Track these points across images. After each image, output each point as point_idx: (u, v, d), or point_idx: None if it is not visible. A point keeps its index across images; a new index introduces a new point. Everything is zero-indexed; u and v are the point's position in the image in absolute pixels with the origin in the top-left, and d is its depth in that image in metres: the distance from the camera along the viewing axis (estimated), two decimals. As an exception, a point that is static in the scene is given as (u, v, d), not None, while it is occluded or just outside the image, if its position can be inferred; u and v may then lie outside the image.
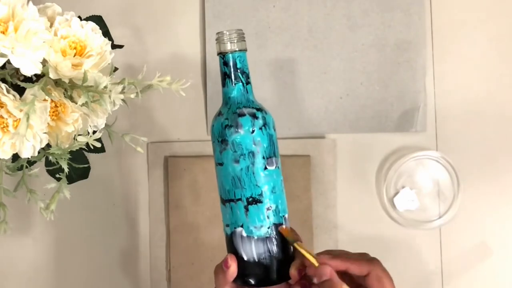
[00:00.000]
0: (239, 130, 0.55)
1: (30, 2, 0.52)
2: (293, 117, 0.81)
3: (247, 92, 0.57)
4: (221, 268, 0.54)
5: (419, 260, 0.81)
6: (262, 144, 0.55)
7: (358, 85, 0.81)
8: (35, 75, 0.53)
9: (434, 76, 0.81)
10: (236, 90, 0.57)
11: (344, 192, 0.81)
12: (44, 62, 0.52)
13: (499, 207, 0.80)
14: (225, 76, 0.58)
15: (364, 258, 0.56)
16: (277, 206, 0.55)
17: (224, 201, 0.57)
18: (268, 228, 0.55)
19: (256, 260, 0.54)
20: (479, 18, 0.81)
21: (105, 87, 0.53)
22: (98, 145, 0.55)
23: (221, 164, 0.56)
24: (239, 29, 0.57)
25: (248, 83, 0.57)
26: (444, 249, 0.80)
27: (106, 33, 0.60)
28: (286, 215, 0.56)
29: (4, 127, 0.51)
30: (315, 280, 0.52)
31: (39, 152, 0.53)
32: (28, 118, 0.49)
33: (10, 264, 0.81)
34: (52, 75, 0.52)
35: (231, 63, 0.57)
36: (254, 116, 0.55)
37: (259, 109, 0.56)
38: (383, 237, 0.81)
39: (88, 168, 0.66)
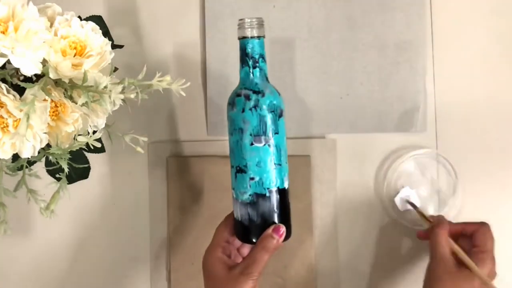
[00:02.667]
0: (234, 108, 0.62)
1: (30, 2, 0.52)
2: (293, 117, 0.81)
3: (253, 75, 0.63)
4: (271, 236, 0.61)
5: (419, 260, 0.81)
6: (251, 122, 0.61)
7: (358, 85, 0.81)
8: (35, 75, 0.53)
9: (434, 76, 0.81)
10: (243, 72, 0.64)
11: (344, 192, 0.81)
12: (44, 62, 0.52)
13: (499, 207, 0.80)
14: (240, 59, 0.64)
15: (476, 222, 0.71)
16: (260, 179, 0.62)
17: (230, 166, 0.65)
18: (250, 195, 0.62)
19: (239, 220, 0.63)
20: (479, 18, 0.81)
21: (105, 87, 0.53)
22: (98, 145, 0.55)
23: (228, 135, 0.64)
24: (255, 17, 0.63)
25: (255, 67, 0.63)
26: (444, 249, 0.80)
27: (106, 33, 0.59)
28: (273, 188, 0.62)
29: (4, 127, 0.51)
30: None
31: (39, 152, 0.53)
32: (28, 118, 0.49)
33: (10, 264, 0.81)
34: (52, 75, 0.52)
35: (242, 48, 0.63)
36: (247, 98, 0.62)
37: (257, 92, 0.62)
38: (383, 236, 0.81)
39: (88, 168, 0.66)
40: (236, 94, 0.63)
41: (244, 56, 0.63)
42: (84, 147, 0.55)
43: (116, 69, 0.61)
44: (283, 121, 0.63)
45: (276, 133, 0.62)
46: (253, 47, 0.63)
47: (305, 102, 0.81)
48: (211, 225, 0.80)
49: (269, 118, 0.62)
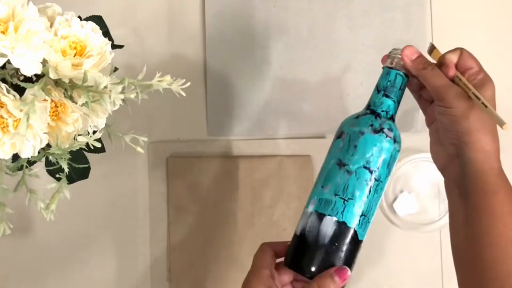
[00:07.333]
0: None
1: (30, 2, 0.52)
2: (293, 117, 0.81)
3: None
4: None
5: (420, 261, 0.81)
6: None
7: (358, 85, 0.81)
8: (35, 75, 0.53)
9: (434, 76, 0.81)
10: None
11: (344, 192, 0.81)
12: (44, 62, 0.52)
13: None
14: None
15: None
16: None
17: None
18: None
19: None
20: (479, 18, 0.81)
21: (105, 87, 0.53)
22: (98, 145, 0.55)
23: None
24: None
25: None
26: (444, 250, 0.80)
27: (106, 33, 0.59)
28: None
29: (4, 127, 0.51)
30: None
31: (39, 152, 0.53)
32: (28, 118, 0.49)
33: (10, 264, 0.81)
34: (52, 75, 0.52)
35: None
36: None
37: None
38: (383, 237, 0.81)
39: (88, 168, 0.66)
40: None
41: None
42: (84, 147, 0.55)
43: (116, 69, 0.61)
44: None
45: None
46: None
47: (305, 102, 0.81)
48: (211, 225, 0.80)
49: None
